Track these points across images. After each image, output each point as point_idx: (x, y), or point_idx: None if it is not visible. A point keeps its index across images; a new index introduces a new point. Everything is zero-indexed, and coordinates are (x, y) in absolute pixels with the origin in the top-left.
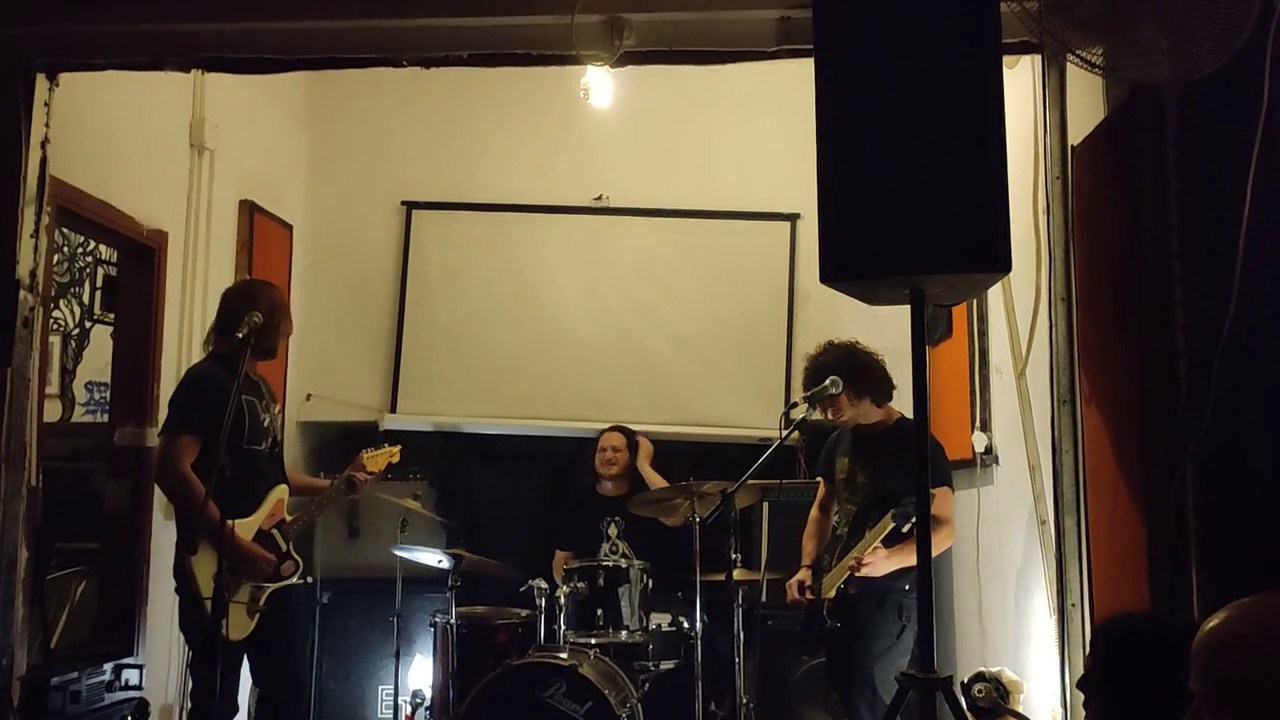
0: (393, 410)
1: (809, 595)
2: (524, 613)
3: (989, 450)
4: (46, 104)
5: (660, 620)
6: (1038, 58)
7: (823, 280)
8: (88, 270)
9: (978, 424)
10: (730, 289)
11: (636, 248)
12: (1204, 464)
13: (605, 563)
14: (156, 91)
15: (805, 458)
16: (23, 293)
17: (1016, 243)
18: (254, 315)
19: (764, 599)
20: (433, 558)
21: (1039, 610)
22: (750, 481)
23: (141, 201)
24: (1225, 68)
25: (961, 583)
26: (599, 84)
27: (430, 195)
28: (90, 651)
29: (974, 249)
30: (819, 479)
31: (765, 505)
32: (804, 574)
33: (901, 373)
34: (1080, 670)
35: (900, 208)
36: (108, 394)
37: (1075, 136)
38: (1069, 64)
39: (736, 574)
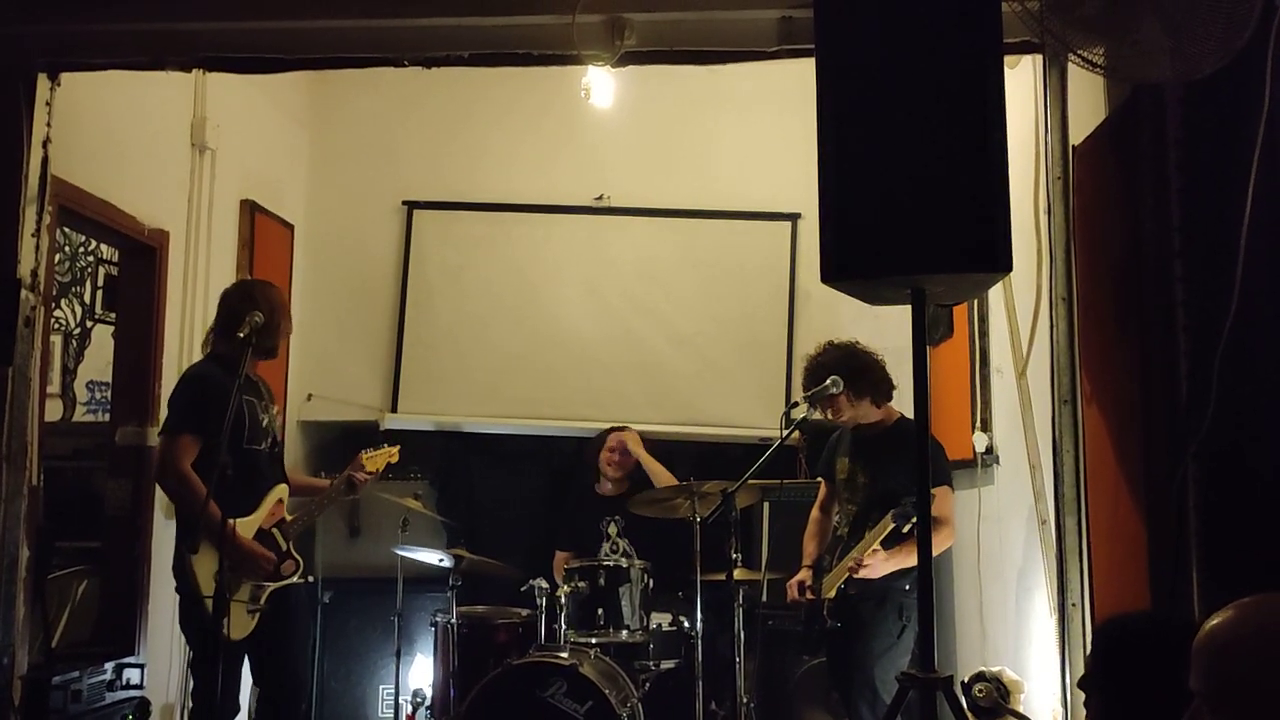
0: (393, 410)
1: (809, 595)
2: (524, 612)
3: (990, 450)
4: (48, 103)
5: (661, 620)
6: (1039, 57)
7: (824, 280)
8: (89, 270)
9: (978, 424)
10: (731, 289)
11: (637, 247)
12: (1205, 464)
13: (606, 562)
14: (158, 91)
15: (806, 458)
16: (24, 292)
17: (1017, 242)
18: (255, 315)
19: (765, 599)
20: (433, 557)
21: (1039, 610)
22: (751, 481)
23: (143, 201)
24: (1227, 67)
25: (962, 582)
26: (600, 84)
27: (431, 195)
28: (91, 651)
29: (975, 249)
30: (820, 479)
31: (766, 505)
32: (804, 574)
33: (902, 373)
34: (1081, 670)
35: (901, 207)
36: (109, 393)
37: (1076, 136)
38: (1070, 64)
39: (737, 574)
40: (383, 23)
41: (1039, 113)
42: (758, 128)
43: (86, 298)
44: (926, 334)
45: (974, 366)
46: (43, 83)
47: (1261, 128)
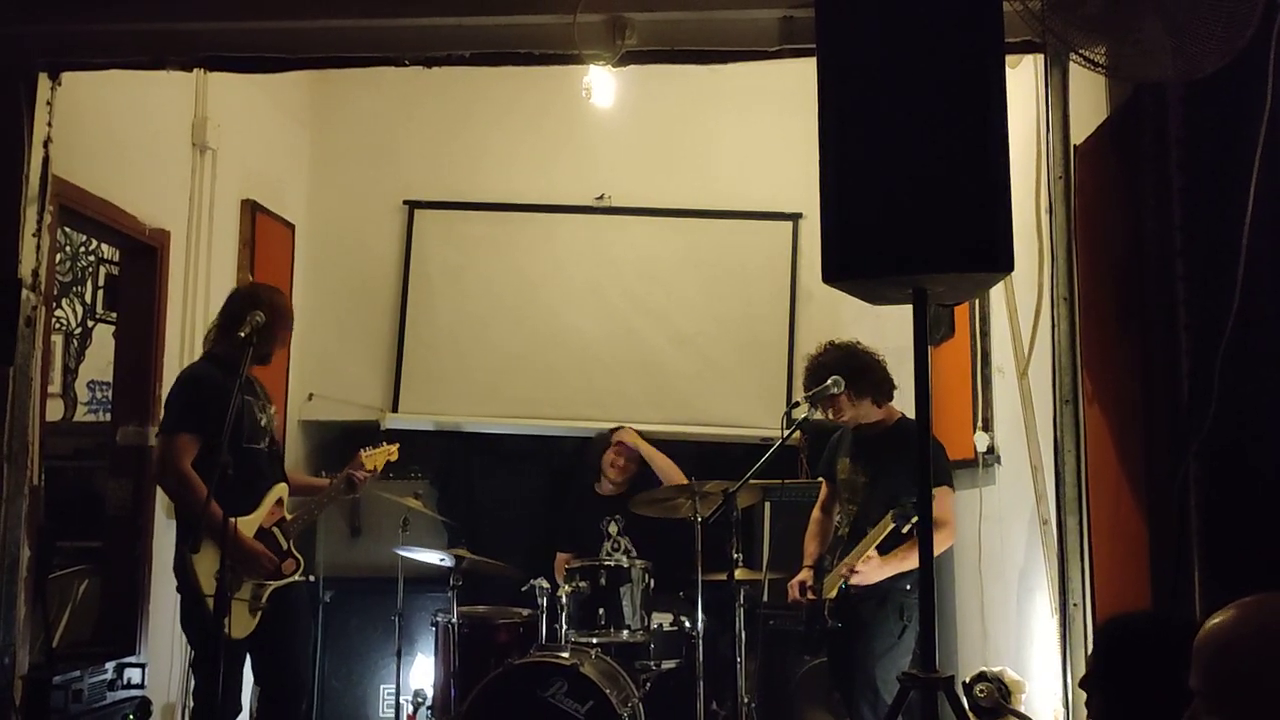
0: (394, 409)
1: (810, 595)
2: (525, 612)
3: (991, 450)
4: (49, 103)
5: (662, 620)
6: (1040, 57)
7: (825, 280)
8: (90, 269)
9: (980, 424)
10: (732, 289)
11: (638, 247)
12: (1206, 463)
13: (607, 562)
14: (159, 91)
15: (807, 457)
16: (25, 292)
17: (1019, 242)
18: (256, 314)
19: (766, 599)
20: (434, 557)
21: (1041, 610)
22: (752, 481)
23: (144, 201)
24: (1228, 67)
25: (963, 582)
26: (601, 83)
27: (432, 195)
28: (92, 650)
29: (976, 248)
30: (821, 479)
31: (767, 505)
32: (806, 574)
33: (904, 372)
34: (1082, 670)
35: (902, 207)
36: (110, 393)
37: (1078, 136)
38: (1072, 63)
39: (738, 574)
40: (384, 22)
41: (1040, 112)
42: (759, 127)
43: (87, 297)
44: (928, 334)
45: (975, 366)
46: (44, 82)
47: (1263, 127)
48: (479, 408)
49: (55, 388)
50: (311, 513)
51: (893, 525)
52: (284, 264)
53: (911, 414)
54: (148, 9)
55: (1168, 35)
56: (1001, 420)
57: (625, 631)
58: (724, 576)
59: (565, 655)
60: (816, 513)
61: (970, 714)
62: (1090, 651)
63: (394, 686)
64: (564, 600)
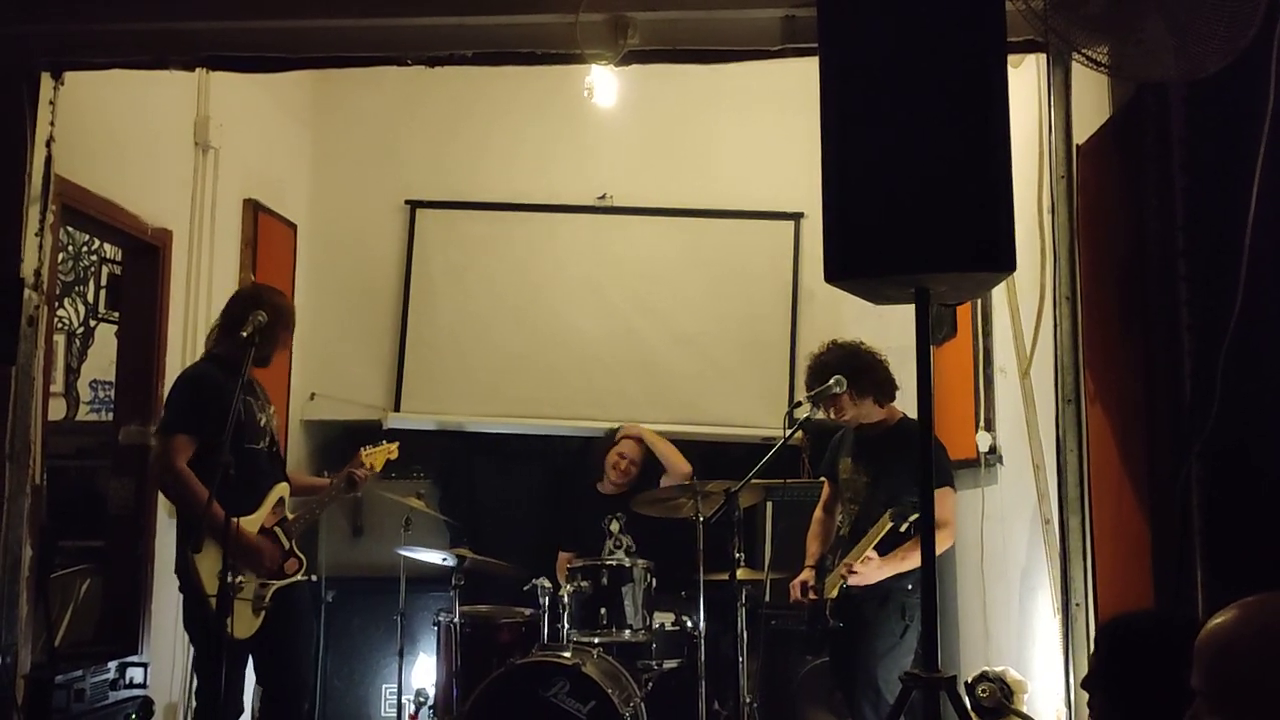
0: (396, 409)
1: (812, 595)
2: (527, 612)
3: (993, 450)
4: (51, 103)
5: (664, 619)
6: (1043, 56)
7: (827, 279)
8: (92, 269)
9: (982, 423)
10: (734, 288)
11: (640, 247)
12: (1209, 463)
13: (609, 562)
14: (161, 90)
15: (809, 457)
16: (27, 291)
17: (1021, 242)
18: (259, 314)
19: (768, 599)
20: (436, 557)
21: (1043, 610)
22: (754, 481)
23: (146, 200)
24: (1231, 66)
25: (965, 582)
26: (603, 83)
27: (434, 194)
28: (94, 650)
29: (978, 248)
30: (823, 479)
31: (769, 505)
32: (807, 574)
33: (906, 372)
34: (1085, 670)
35: (905, 207)
36: (112, 392)
37: (1080, 135)
38: (1074, 62)
39: (740, 573)
40: (385, 21)
41: (1043, 112)
42: (761, 127)
43: (90, 297)
44: (930, 333)
45: (978, 366)
46: (46, 82)
47: (1266, 127)
48: (480, 407)
49: (57, 387)
50: (313, 512)
51: (891, 524)
52: (286, 263)
53: (913, 414)
54: (150, 9)
55: (1170, 35)
56: (1003, 420)
57: (627, 631)
58: (726, 576)
59: (567, 655)
60: (818, 513)
61: (973, 714)
62: (1092, 651)
63: (396, 686)
64: (566, 600)
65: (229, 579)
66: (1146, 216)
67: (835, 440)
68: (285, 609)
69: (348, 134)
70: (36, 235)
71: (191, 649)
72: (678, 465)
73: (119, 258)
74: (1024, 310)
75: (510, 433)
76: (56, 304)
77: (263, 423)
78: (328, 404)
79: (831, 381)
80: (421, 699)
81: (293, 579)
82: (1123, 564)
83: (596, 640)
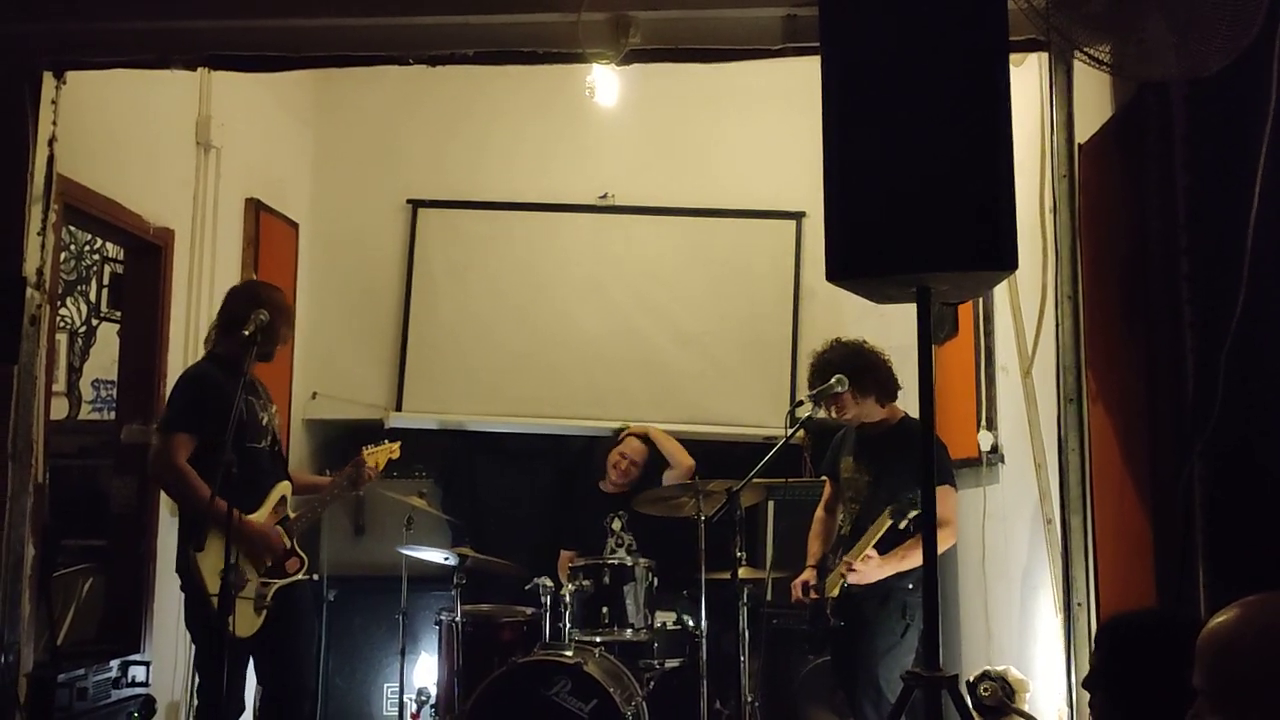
0: (398, 408)
1: (813, 595)
2: (529, 611)
3: (995, 449)
4: (53, 102)
5: (665, 619)
6: (1045, 55)
7: (829, 278)
8: (94, 268)
9: (984, 422)
10: (736, 287)
11: (642, 246)
12: (1211, 462)
13: (611, 561)
14: (163, 90)
15: (811, 456)
16: (30, 290)
17: (1023, 241)
18: (261, 313)
19: (769, 598)
20: (438, 556)
21: (1045, 609)
22: (756, 480)
23: (148, 199)
24: (1233, 65)
25: (967, 581)
26: (605, 82)
27: (436, 193)
28: (97, 649)
29: (980, 247)
30: (824, 478)
31: (771, 504)
32: (809, 573)
33: (907, 371)
34: (1086, 669)
35: (907, 205)
36: (114, 391)
37: (1082, 134)
38: (1076, 61)
39: (742, 572)
40: (387, 21)
41: (1044, 111)
42: (762, 126)
43: (92, 296)
44: (932, 332)
45: (979, 365)
46: (48, 81)
47: (1268, 125)
48: (482, 406)
49: (60, 386)
50: (315, 510)
51: (890, 522)
52: (287, 263)
53: (915, 413)
54: (151, 8)
55: (1172, 33)
56: (1005, 419)
57: (629, 630)
58: (728, 575)
59: (569, 654)
60: (820, 512)
61: (974, 713)
62: (1093, 650)
63: (398, 685)
64: (568, 599)
65: (231, 576)
66: (1148, 215)
67: (837, 439)
68: (287, 608)
69: (349, 133)
70: (39, 234)
71: (193, 648)
72: (681, 460)
73: (121, 257)
74: (1026, 309)
75: (512, 432)
76: (59, 303)
77: (265, 421)
78: (329, 403)
79: (833, 380)
80: (423, 698)
81: (294, 578)
82: (1124, 563)
83: (598, 639)
